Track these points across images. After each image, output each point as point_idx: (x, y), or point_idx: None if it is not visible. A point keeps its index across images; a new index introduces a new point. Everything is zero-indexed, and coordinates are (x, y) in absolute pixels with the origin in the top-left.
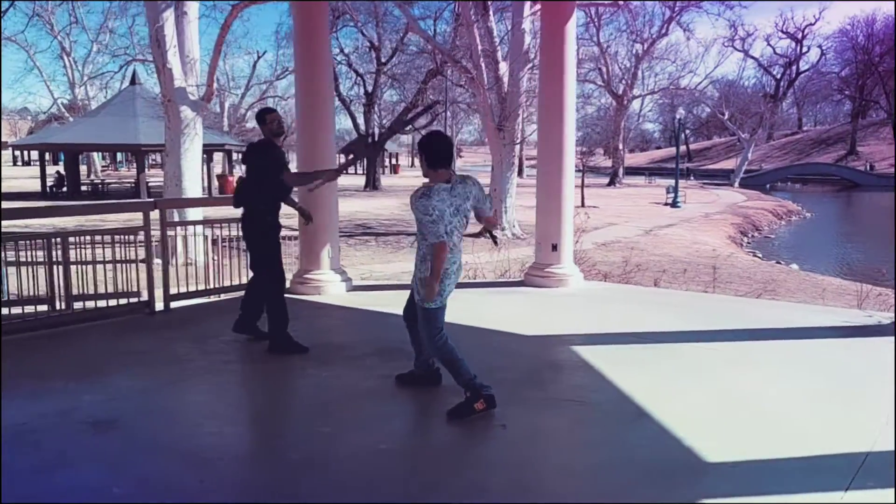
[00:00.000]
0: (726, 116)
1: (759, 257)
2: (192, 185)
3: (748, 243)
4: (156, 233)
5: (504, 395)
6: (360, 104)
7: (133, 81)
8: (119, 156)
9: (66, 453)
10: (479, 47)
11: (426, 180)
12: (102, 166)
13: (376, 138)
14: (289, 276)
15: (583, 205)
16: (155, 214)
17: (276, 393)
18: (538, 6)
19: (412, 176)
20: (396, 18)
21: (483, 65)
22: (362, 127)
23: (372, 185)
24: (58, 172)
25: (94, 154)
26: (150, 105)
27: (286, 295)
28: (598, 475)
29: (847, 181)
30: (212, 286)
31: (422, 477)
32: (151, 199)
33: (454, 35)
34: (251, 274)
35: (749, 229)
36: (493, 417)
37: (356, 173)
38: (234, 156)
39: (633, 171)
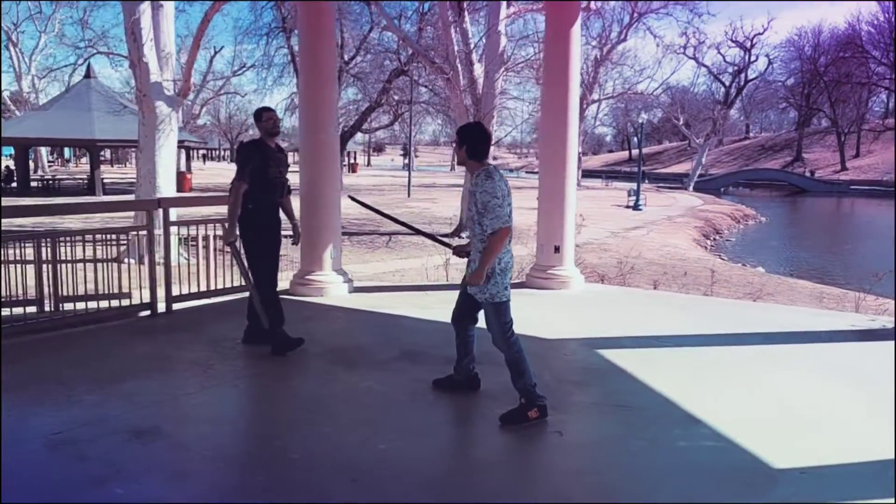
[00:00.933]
0: (681, 122)
1: (724, 259)
2: (167, 183)
3: (712, 246)
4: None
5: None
6: None
7: (88, 75)
8: (67, 151)
9: (117, 464)
10: (457, 48)
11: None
12: (49, 161)
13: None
14: (289, 276)
15: None
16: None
17: (314, 399)
18: (513, 9)
19: (370, 175)
20: (360, 17)
21: (459, 66)
22: None
23: None
24: (6, 167)
25: (42, 149)
26: (106, 100)
27: (287, 297)
28: (671, 480)
29: (795, 187)
30: (211, 287)
31: (499, 485)
32: (155, 198)
33: (419, 35)
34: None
35: (711, 232)
36: (544, 424)
37: None
38: (192, 153)
39: (588, 173)
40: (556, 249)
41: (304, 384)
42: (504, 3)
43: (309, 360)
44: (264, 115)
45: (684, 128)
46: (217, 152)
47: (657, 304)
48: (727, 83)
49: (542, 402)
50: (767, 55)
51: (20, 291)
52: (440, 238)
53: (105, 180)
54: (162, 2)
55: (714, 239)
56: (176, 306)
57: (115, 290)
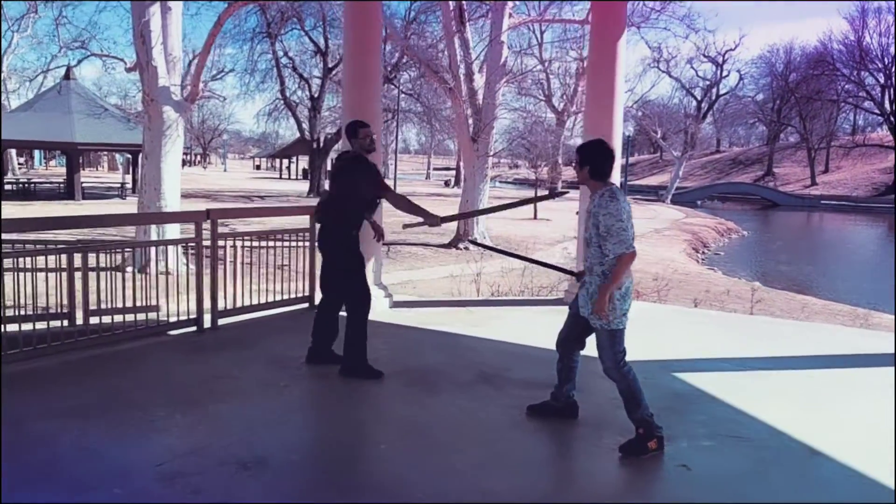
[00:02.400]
0: (659, 135)
1: (722, 273)
2: (172, 191)
3: (703, 259)
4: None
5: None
6: (306, 108)
7: (67, 76)
8: (36, 154)
9: (236, 496)
10: (459, 58)
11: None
12: (19, 163)
13: (321, 144)
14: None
15: (535, 217)
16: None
17: (407, 425)
18: (517, 20)
19: None
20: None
21: (461, 76)
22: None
23: (316, 190)
24: None
25: (12, 151)
26: (86, 102)
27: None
28: None
29: (767, 200)
30: (255, 302)
31: None
32: (204, 210)
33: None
34: (320, 297)
35: (699, 246)
36: (661, 457)
37: (294, 178)
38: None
39: (568, 185)
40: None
41: (391, 408)
42: (507, 14)
43: (386, 381)
44: (361, 132)
45: (662, 141)
46: (189, 157)
47: (704, 322)
48: (699, 97)
49: (660, 433)
50: (739, 70)
51: (36, 303)
52: (567, 269)
53: (82, 184)
54: (171, 3)
55: (703, 252)
56: (221, 321)
57: (141, 303)
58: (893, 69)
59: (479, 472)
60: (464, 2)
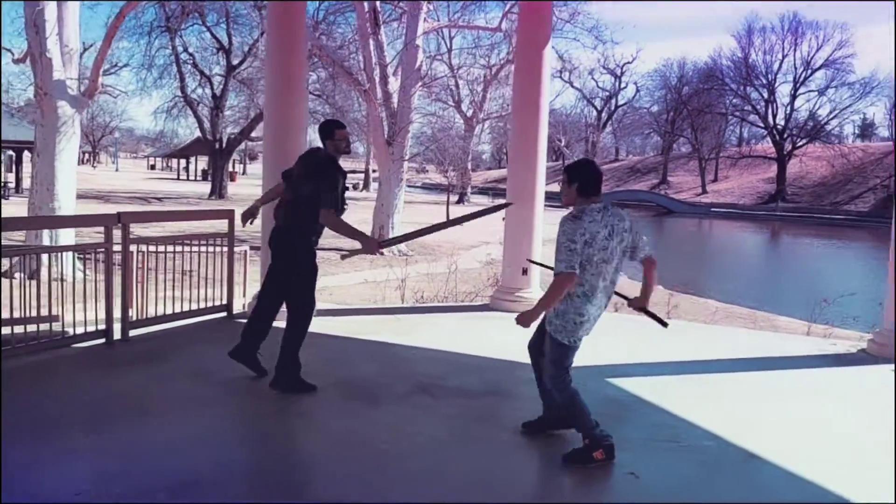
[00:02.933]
0: (563, 143)
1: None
2: (67, 192)
3: None
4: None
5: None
6: (207, 107)
7: None
8: None
9: None
10: (374, 60)
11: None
12: None
13: (223, 144)
14: (249, 298)
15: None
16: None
17: (354, 442)
18: (432, 25)
19: (251, 184)
20: (250, 20)
21: (376, 79)
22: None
23: (218, 193)
24: None
25: None
26: None
27: (241, 321)
28: None
29: (662, 207)
30: (168, 311)
31: None
32: (115, 213)
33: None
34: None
35: None
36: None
37: (193, 180)
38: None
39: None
40: (524, 271)
41: (328, 422)
42: (422, 18)
43: (319, 393)
44: (337, 133)
45: (565, 149)
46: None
47: (626, 327)
48: (599, 107)
49: (608, 441)
50: (636, 83)
51: None
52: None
53: None
54: None
55: None
56: (132, 333)
57: (50, 315)
58: (776, 85)
59: (423, 484)
60: (378, 3)
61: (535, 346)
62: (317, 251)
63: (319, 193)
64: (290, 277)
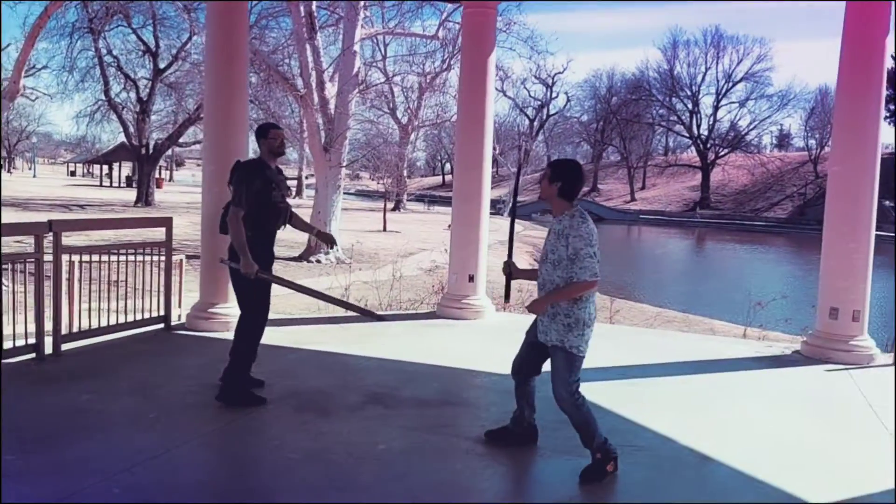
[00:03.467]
0: (497, 151)
1: None
2: None
3: None
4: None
5: (551, 443)
6: (133, 112)
7: None
8: None
9: None
10: (311, 66)
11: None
12: None
13: (150, 150)
14: (186, 309)
15: (385, 229)
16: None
17: (310, 456)
18: (369, 31)
19: (178, 191)
20: (178, 23)
21: (312, 84)
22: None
23: (144, 200)
24: None
25: None
26: None
27: (185, 332)
28: None
29: (593, 214)
30: (103, 324)
31: None
32: (46, 221)
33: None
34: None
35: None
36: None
37: (116, 186)
38: None
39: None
40: (471, 278)
41: (281, 436)
42: (360, 24)
43: (270, 406)
44: (271, 132)
45: (500, 157)
46: None
47: None
48: (532, 116)
49: (616, 453)
50: (566, 93)
51: None
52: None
53: None
54: None
55: None
56: (65, 347)
57: None
58: (700, 97)
59: (384, 496)
60: (314, 7)
61: (522, 368)
62: (269, 256)
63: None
64: (235, 287)
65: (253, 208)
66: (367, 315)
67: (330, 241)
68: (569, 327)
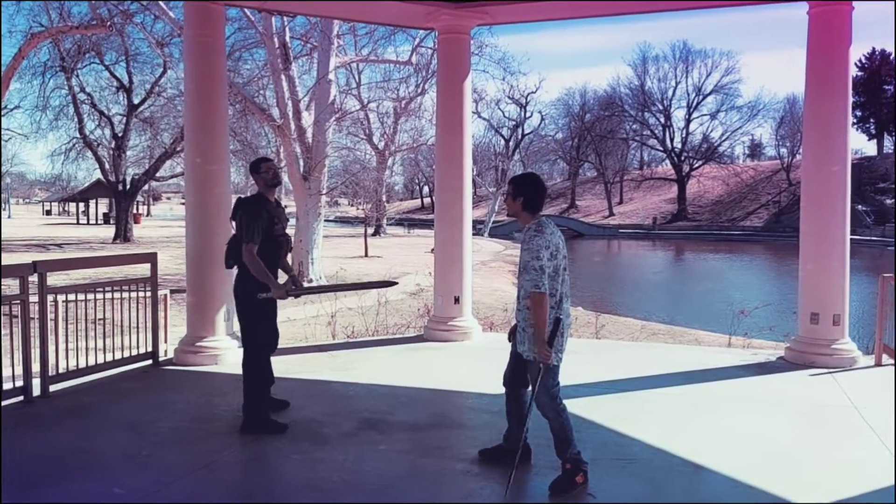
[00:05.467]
0: (475, 172)
1: None
2: None
3: None
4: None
5: (546, 460)
6: (108, 148)
7: None
8: None
9: None
10: (287, 95)
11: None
12: None
13: (128, 186)
14: (173, 344)
15: (366, 255)
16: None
17: (312, 486)
18: (343, 60)
19: (156, 225)
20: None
21: (289, 114)
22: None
23: (123, 236)
24: None
25: None
26: None
27: (174, 367)
28: None
29: (573, 231)
30: (90, 363)
31: None
32: (30, 262)
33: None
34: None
35: None
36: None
37: (93, 223)
38: None
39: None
40: (456, 300)
41: (278, 467)
42: (333, 52)
43: (265, 437)
44: (262, 166)
45: (477, 177)
46: None
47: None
48: (507, 136)
49: (586, 467)
50: (540, 112)
51: None
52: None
53: None
54: None
55: None
56: (53, 388)
57: None
58: (671, 110)
59: None
60: (287, 39)
61: (511, 382)
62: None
63: (240, 230)
64: (240, 321)
65: (261, 242)
66: (383, 285)
67: (298, 289)
68: (531, 341)
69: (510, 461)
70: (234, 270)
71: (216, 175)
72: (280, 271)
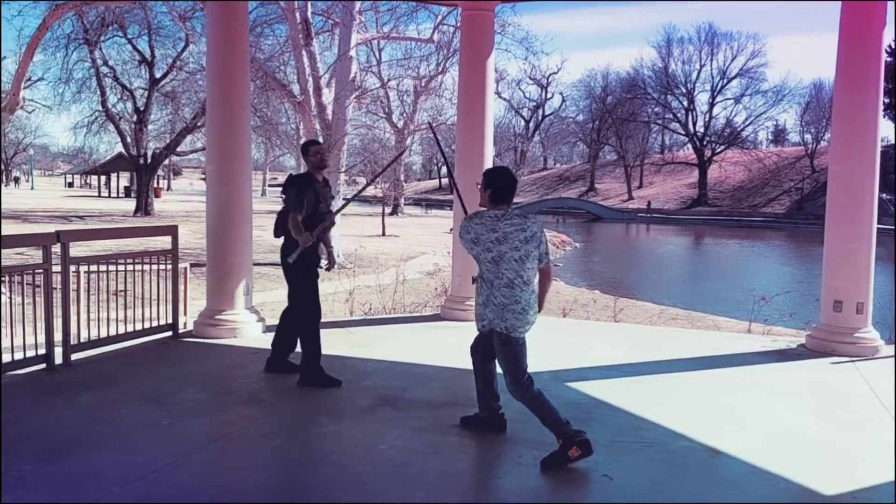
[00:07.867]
0: (494, 153)
1: (557, 281)
2: None
3: None
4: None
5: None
6: (130, 122)
7: None
8: None
9: None
10: (308, 72)
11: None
12: None
13: (148, 160)
14: (192, 316)
15: (384, 234)
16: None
17: (313, 455)
18: (364, 36)
19: (176, 200)
20: (173, 32)
21: (310, 90)
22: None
23: (144, 210)
24: None
25: None
26: None
27: (193, 339)
28: None
29: (591, 214)
30: (112, 333)
31: None
32: (53, 232)
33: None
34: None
35: None
36: (586, 467)
37: (115, 196)
38: None
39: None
40: (473, 280)
41: (294, 440)
42: (355, 29)
43: (281, 411)
44: (311, 149)
45: (496, 158)
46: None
47: (585, 333)
48: (527, 117)
49: (582, 437)
50: (562, 93)
51: None
52: None
53: None
54: None
55: None
56: (74, 357)
57: None
58: (695, 94)
59: (401, 496)
60: (309, 14)
61: (479, 356)
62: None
63: (289, 201)
64: (288, 283)
65: (305, 217)
66: (398, 158)
67: (331, 263)
68: (500, 314)
69: (486, 428)
70: (280, 241)
71: (237, 150)
72: (321, 245)
